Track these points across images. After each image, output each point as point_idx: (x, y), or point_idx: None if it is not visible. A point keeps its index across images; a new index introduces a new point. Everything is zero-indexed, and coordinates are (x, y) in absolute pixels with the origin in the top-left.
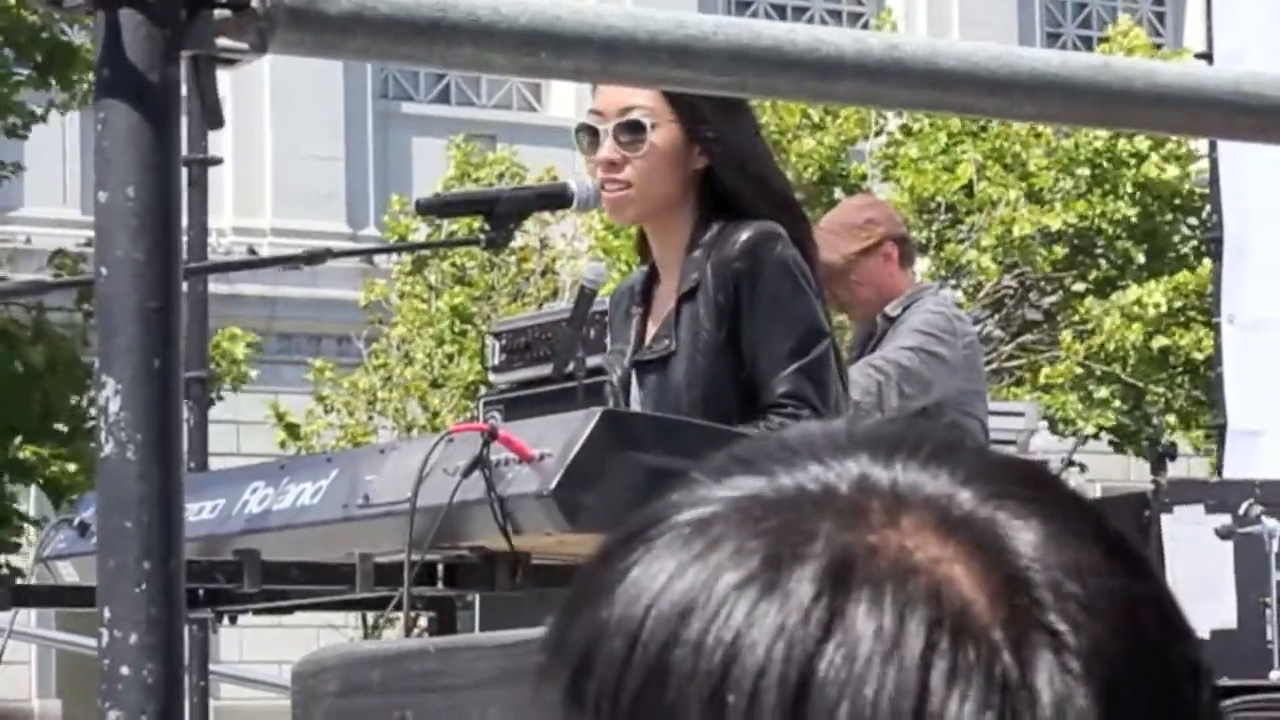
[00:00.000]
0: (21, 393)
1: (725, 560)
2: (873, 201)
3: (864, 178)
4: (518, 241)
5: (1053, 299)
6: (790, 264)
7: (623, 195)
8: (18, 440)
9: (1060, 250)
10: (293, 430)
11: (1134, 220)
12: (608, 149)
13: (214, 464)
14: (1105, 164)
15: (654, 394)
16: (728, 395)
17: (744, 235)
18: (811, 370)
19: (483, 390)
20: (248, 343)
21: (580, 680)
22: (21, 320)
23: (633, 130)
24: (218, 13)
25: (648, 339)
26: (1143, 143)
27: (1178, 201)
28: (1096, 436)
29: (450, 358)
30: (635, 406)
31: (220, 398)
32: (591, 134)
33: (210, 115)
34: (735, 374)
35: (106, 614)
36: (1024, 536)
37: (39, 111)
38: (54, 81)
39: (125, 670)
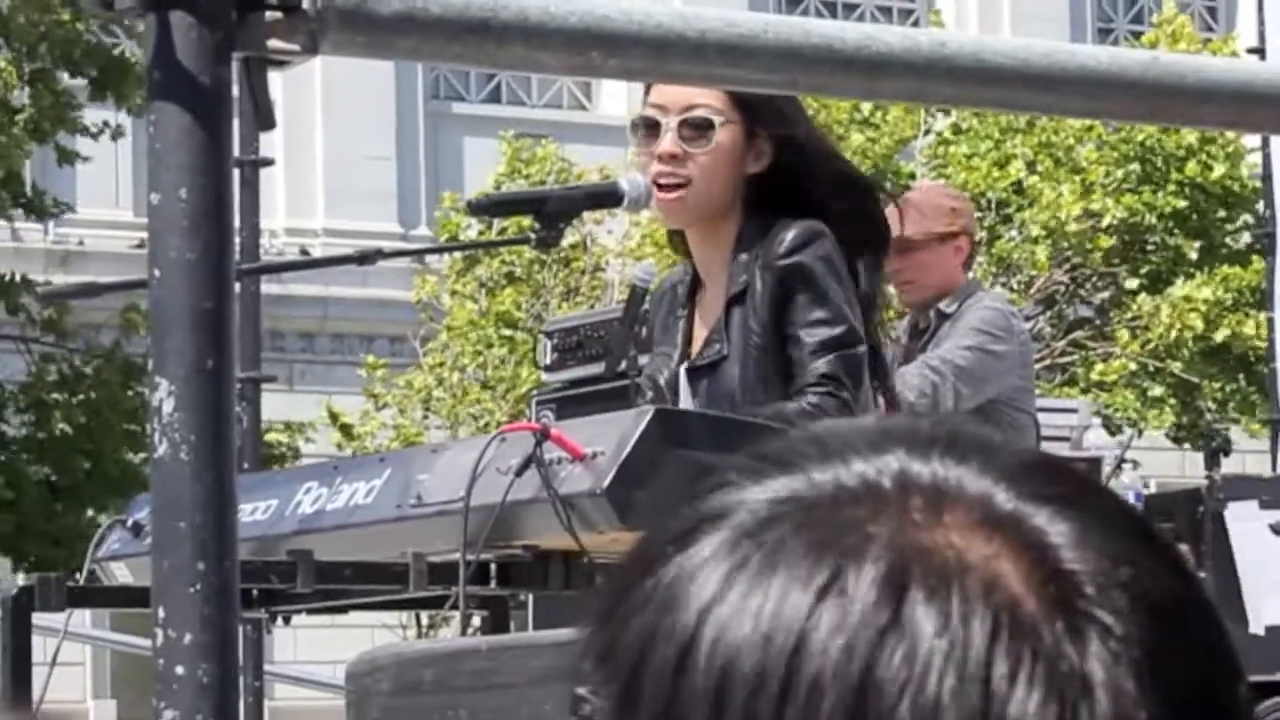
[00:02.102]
0: (66, 452)
1: (773, 564)
2: (959, 194)
3: (913, 176)
4: (569, 239)
5: (1105, 294)
6: (835, 262)
7: (680, 195)
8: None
9: (1109, 240)
10: (347, 431)
11: (1184, 214)
12: (670, 142)
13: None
14: (1153, 158)
15: (706, 398)
16: (784, 395)
17: (790, 234)
18: (849, 361)
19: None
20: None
21: (632, 689)
22: (83, 369)
23: (699, 127)
24: (268, 14)
25: (695, 343)
26: (1190, 136)
27: (1230, 199)
28: (1155, 428)
29: (502, 360)
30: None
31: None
32: (650, 127)
33: (263, 117)
34: (786, 371)
35: (161, 614)
36: (1063, 532)
37: (94, 130)
38: (110, 96)
39: (180, 670)
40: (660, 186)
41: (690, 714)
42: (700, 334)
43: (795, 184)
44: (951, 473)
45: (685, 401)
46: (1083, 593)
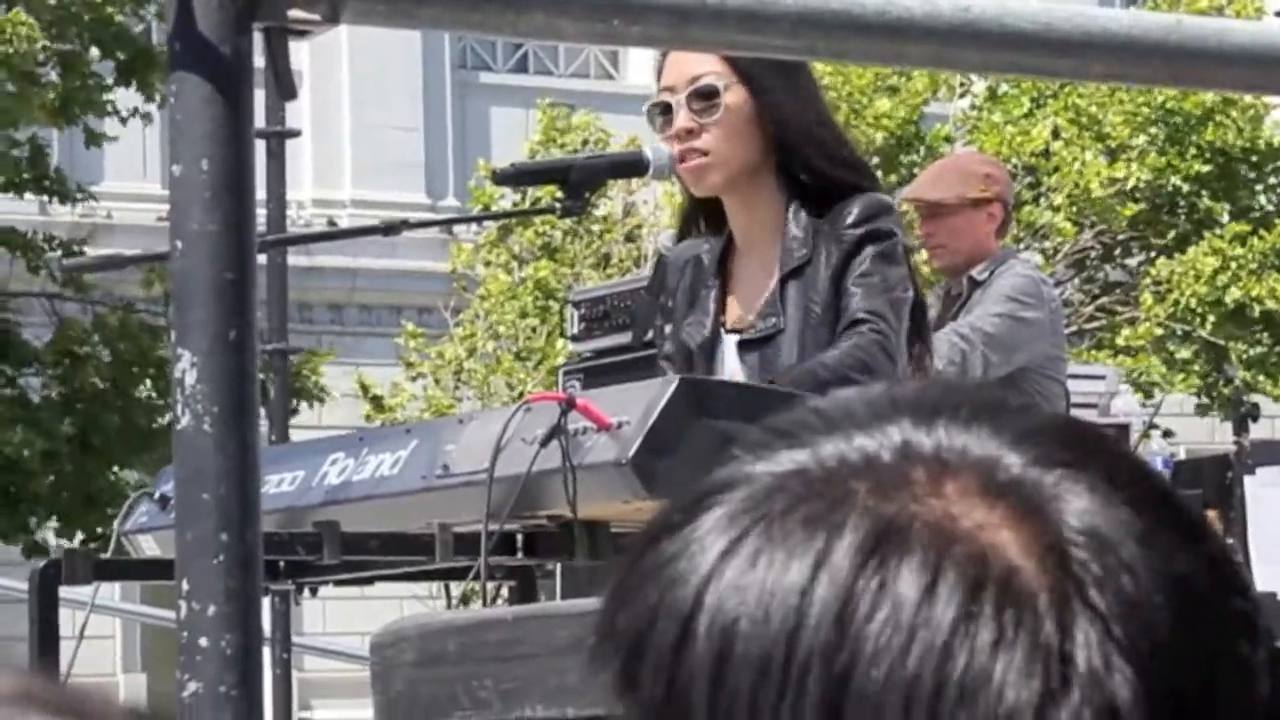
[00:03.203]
0: (102, 401)
1: (770, 539)
2: (996, 161)
3: (948, 139)
4: (602, 210)
5: (1136, 259)
6: (899, 237)
7: (702, 164)
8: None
9: (1136, 206)
10: (378, 402)
11: (1209, 176)
12: (683, 119)
13: (296, 436)
14: (1177, 121)
15: (760, 372)
16: None
17: (856, 207)
18: (897, 306)
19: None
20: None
21: (633, 664)
22: (109, 321)
23: (705, 96)
24: None
25: (732, 312)
26: (1209, 97)
27: (1255, 159)
28: (1180, 391)
29: (534, 329)
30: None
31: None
32: (664, 110)
33: (283, 87)
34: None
35: (185, 586)
36: (1071, 500)
37: (124, 114)
38: (135, 82)
39: (204, 642)
40: (683, 162)
41: (690, 690)
42: (738, 304)
43: (798, 152)
44: (957, 440)
45: (730, 372)
46: (1082, 564)
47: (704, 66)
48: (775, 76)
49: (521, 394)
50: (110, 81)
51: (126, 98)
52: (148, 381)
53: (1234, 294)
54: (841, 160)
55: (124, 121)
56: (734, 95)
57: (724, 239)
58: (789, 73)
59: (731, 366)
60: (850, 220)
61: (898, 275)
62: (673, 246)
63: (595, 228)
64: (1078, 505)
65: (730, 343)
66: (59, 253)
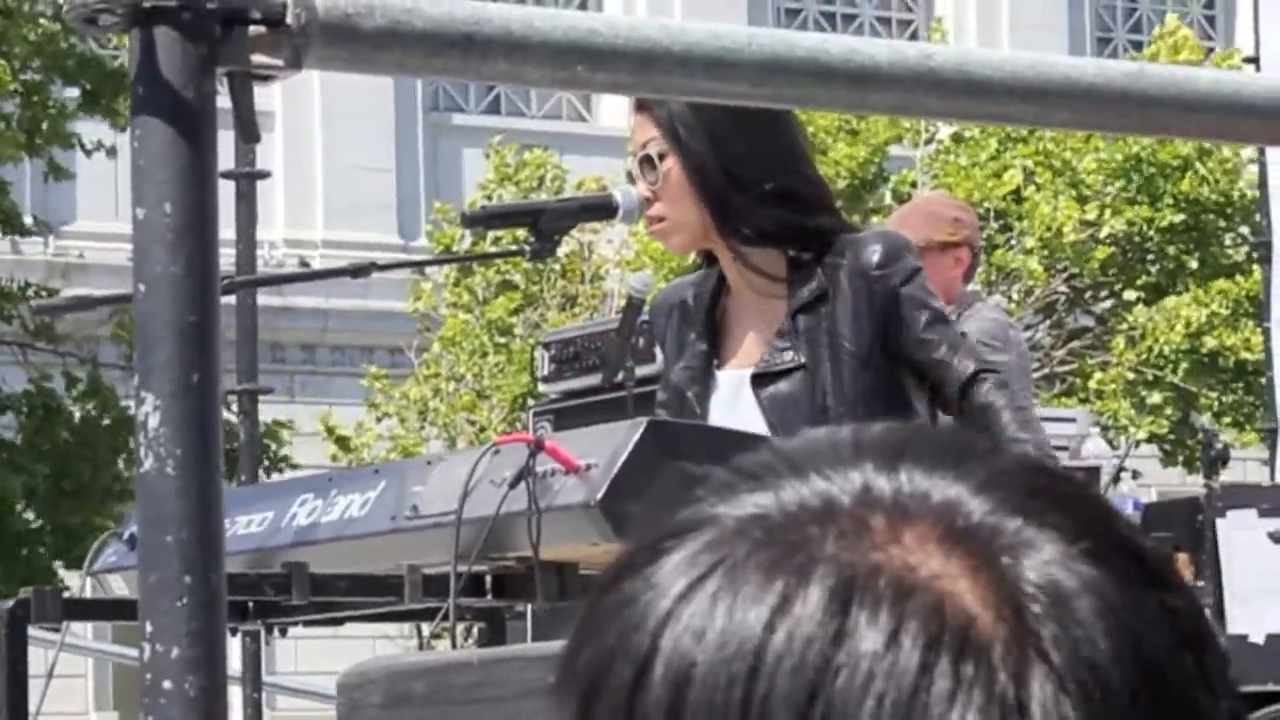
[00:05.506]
0: (71, 453)
1: (728, 584)
2: (964, 206)
3: (913, 184)
4: (564, 249)
5: (1104, 305)
6: (924, 274)
7: (660, 229)
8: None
9: (1107, 250)
10: (343, 443)
11: (1181, 227)
12: (641, 188)
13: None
14: (1151, 170)
15: (779, 406)
16: (896, 396)
17: (880, 245)
18: (974, 348)
19: (529, 401)
20: (288, 434)
21: (589, 706)
22: (76, 373)
23: (649, 165)
24: (252, 29)
25: (732, 350)
26: (1186, 147)
27: (1229, 210)
28: (1149, 441)
29: (500, 367)
30: (721, 417)
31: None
32: (632, 178)
33: (246, 131)
34: (895, 375)
35: (148, 628)
36: (1030, 550)
37: (89, 146)
38: (101, 111)
39: (167, 684)
40: (650, 225)
41: None
42: (737, 342)
43: (733, 208)
44: (919, 485)
45: (727, 409)
46: (1038, 616)
47: (649, 133)
48: (703, 137)
49: (483, 429)
50: (74, 109)
51: (91, 130)
52: (116, 439)
53: (1209, 343)
54: (799, 209)
55: (88, 154)
56: (669, 161)
57: (714, 278)
58: (728, 130)
59: (729, 404)
60: (877, 259)
61: (943, 309)
62: (642, 288)
63: (556, 266)
64: (1037, 556)
65: (726, 380)
66: (30, 302)
